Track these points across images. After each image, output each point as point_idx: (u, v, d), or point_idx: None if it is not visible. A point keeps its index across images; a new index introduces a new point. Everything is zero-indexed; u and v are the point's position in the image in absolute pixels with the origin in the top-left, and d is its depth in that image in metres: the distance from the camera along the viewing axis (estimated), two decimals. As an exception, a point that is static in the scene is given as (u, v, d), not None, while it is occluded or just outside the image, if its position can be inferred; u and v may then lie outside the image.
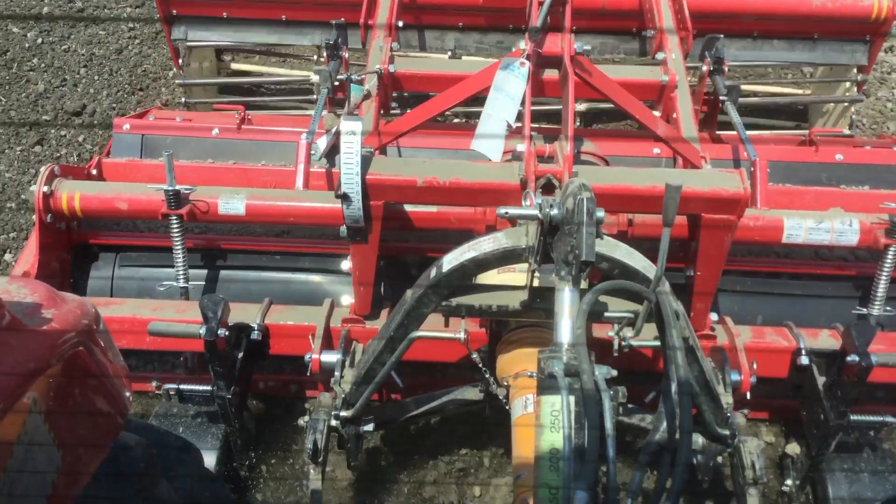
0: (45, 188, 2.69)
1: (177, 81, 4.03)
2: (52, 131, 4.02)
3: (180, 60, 3.91)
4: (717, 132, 3.41)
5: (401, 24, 3.37)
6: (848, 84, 3.90)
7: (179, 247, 2.71)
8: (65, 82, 4.39)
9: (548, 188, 2.34)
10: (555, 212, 1.83)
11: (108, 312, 2.58)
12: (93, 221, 2.90)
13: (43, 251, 2.74)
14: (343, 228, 2.37)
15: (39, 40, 4.60)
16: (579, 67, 2.62)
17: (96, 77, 4.45)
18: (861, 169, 3.17)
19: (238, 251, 2.94)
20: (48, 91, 4.31)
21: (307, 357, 2.45)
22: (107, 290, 2.91)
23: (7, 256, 3.48)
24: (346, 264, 2.81)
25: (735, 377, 2.39)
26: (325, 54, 3.25)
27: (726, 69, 3.25)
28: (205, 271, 2.91)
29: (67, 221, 2.85)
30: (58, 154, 3.95)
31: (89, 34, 4.67)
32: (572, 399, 1.59)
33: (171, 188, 2.62)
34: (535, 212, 1.86)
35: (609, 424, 1.55)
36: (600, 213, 1.78)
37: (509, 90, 2.58)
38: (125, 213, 2.74)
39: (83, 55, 4.55)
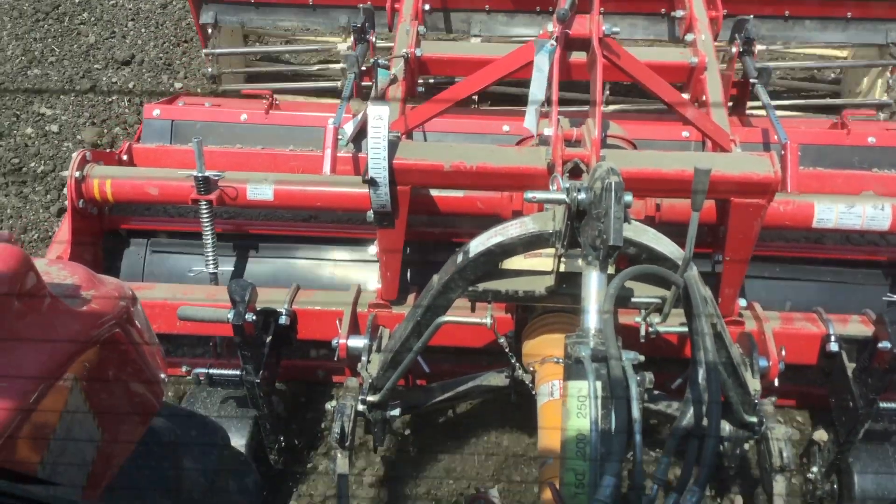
0: (77, 174, 2.74)
1: (204, 52, 3.99)
2: (104, 78, 4.39)
3: (208, 44, 3.93)
4: (748, 114, 3.37)
5: (427, 7, 3.37)
6: (879, 83, 3.83)
7: (209, 232, 2.74)
8: (114, 34, 4.68)
9: (575, 172, 2.32)
10: (582, 196, 1.82)
11: (140, 296, 2.61)
12: (124, 207, 2.94)
13: (76, 236, 2.78)
14: (370, 213, 2.38)
15: None
16: (608, 50, 2.59)
17: (143, 30, 4.71)
18: (894, 152, 3.11)
19: (266, 236, 2.97)
20: (98, 42, 4.61)
21: (334, 342, 2.47)
22: (138, 275, 2.95)
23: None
24: (372, 249, 2.82)
25: (763, 363, 2.37)
26: (352, 38, 3.26)
27: (756, 51, 3.20)
28: (234, 256, 2.94)
29: (99, 207, 2.89)
30: (109, 100, 4.27)
31: None
32: (599, 384, 1.59)
33: (200, 174, 2.65)
34: (563, 196, 1.86)
35: (636, 410, 1.55)
36: (628, 198, 1.77)
37: (542, 70, 2.57)
38: (155, 198, 2.78)
39: (130, 9, 4.84)
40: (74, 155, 2.77)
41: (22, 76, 4.45)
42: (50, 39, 4.65)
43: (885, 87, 3.81)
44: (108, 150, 3.08)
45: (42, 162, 3.99)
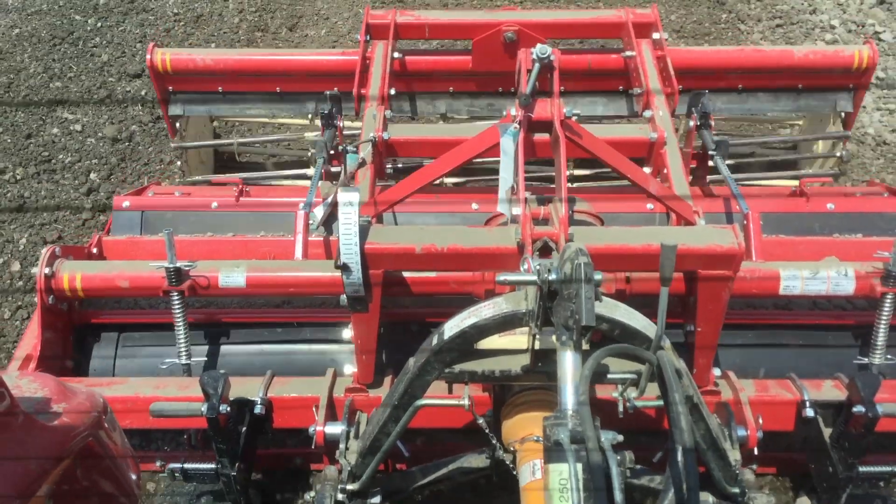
0: (47, 270, 2.72)
1: (171, 144, 4.06)
2: (118, 88, 5.04)
3: (177, 136, 3.97)
4: (709, 185, 3.45)
5: (393, 91, 3.44)
6: (834, 130, 3.96)
7: (181, 323, 2.72)
8: (124, 54, 5.33)
9: (545, 251, 2.36)
10: (553, 277, 1.85)
11: (111, 392, 2.58)
12: (94, 300, 2.91)
13: (45, 333, 2.75)
14: (343, 297, 2.38)
15: (99, 24, 5.59)
16: (569, 130, 2.67)
17: None
18: (853, 217, 3.20)
19: (239, 324, 2.95)
20: (111, 60, 5.26)
21: (311, 429, 2.44)
22: (109, 370, 2.91)
23: (92, 175, 4.46)
24: (347, 333, 2.82)
25: (741, 433, 2.38)
26: (319, 124, 3.31)
27: (713, 123, 3.31)
28: (207, 346, 2.92)
29: (69, 302, 2.87)
30: (124, 105, 4.88)
31: (140, 19, 5.69)
32: (580, 467, 1.58)
33: (171, 265, 2.65)
34: (534, 277, 1.88)
35: (617, 491, 1.54)
36: (598, 277, 1.80)
37: (509, 153, 2.64)
38: (126, 291, 2.76)
39: (137, 34, 5.52)
40: (43, 251, 2.76)
41: (44, 89, 5.01)
42: (67, 59, 5.26)
43: (838, 160, 3.96)
44: (77, 245, 3.06)
45: (69, 154, 4.55)
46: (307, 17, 5.78)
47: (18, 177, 4.39)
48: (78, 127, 4.71)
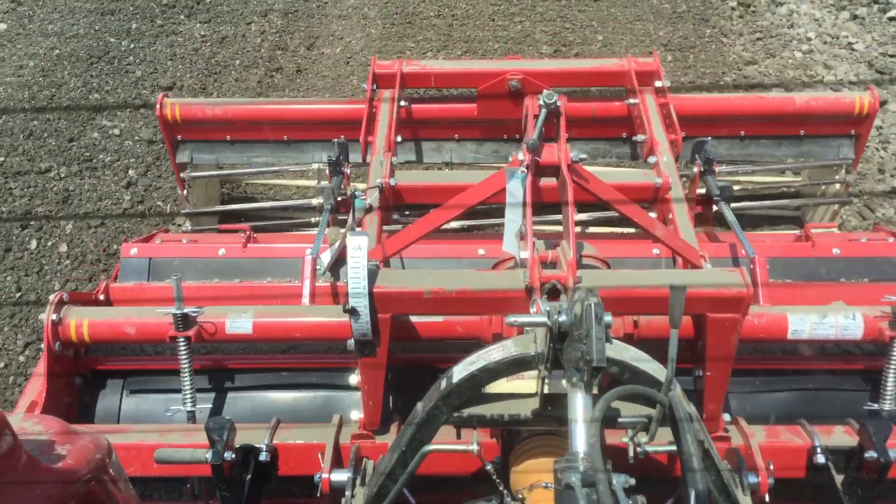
0: (54, 316, 2.72)
1: (182, 212, 4.14)
2: (153, 98, 5.28)
3: (186, 186, 4.01)
4: (714, 230, 3.47)
5: (399, 139, 3.48)
6: (838, 179, 3.99)
7: (187, 369, 2.71)
8: (156, 70, 5.80)
9: (553, 294, 2.36)
10: (563, 318, 1.84)
11: (116, 440, 2.53)
12: (100, 347, 2.91)
13: (51, 379, 2.74)
14: (351, 342, 2.37)
15: (132, 45, 6.07)
16: (576, 175, 2.69)
17: (180, 66, 5.84)
18: (858, 262, 3.20)
19: (245, 370, 2.94)
20: (144, 76, 5.73)
21: (317, 477, 2.41)
22: (114, 417, 2.88)
23: (130, 172, 4.93)
24: (354, 378, 2.80)
25: (753, 479, 2.34)
26: (327, 171, 3.35)
27: (717, 170, 3.33)
28: (212, 392, 2.90)
29: (76, 348, 2.86)
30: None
31: (170, 40, 6.14)
32: (592, 511, 1.56)
33: (179, 311, 2.65)
34: (544, 319, 1.88)
35: (632, 536, 1.51)
36: (608, 318, 1.79)
37: (517, 197, 2.67)
38: (133, 337, 2.76)
39: (167, 53, 5.98)
40: (51, 297, 2.76)
41: (84, 100, 5.47)
42: (104, 76, 5.73)
43: (840, 221, 3.99)
44: (85, 293, 3.07)
45: (108, 154, 5.01)
46: (323, 38, 6.16)
47: (62, 174, 4.83)
48: (116, 132, 5.19)
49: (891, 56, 5.42)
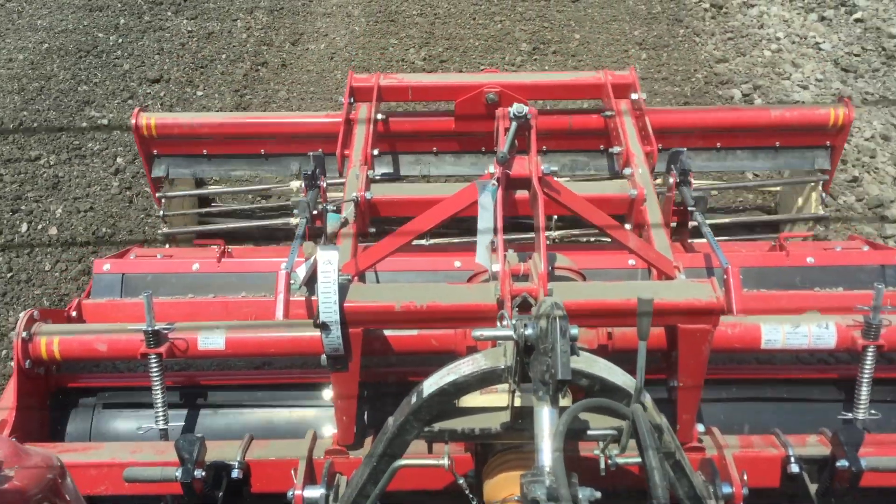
0: (25, 334, 2.69)
1: (160, 232, 4.12)
2: (140, 90, 5.69)
3: (161, 197, 3.99)
4: (689, 240, 3.47)
5: (376, 152, 3.48)
6: (813, 187, 4.01)
7: (158, 386, 2.68)
8: (144, 63, 5.98)
9: (524, 306, 2.36)
10: (529, 331, 1.84)
11: (86, 458, 2.53)
12: (72, 364, 2.88)
13: (21, 398, 2.71)
14: (323, 357, 2.36)
15: (120, 40, 6.26)
16: (548, 187, 2.69)
17: (167, 60, 6.02)
18: (832, 271, 3.22)
19: (218, 386, 2.91)
20: (132, 69, 5.90)
21: (290, 494, 2.39)
22: (86, 435, 2.85)
23: (119, 160, 5.09)
24: (328, 393, 2.78)
25: (727, 490, 2.34)
26: (303, 185, 3.34)
27: (692, 181, 3.34)
28: (185, 409, 2.87)
29: (46, 366, 2.83)
30: (146, 104, 5.55)
31: (157, 35, 6.32)
32: (557, 525, 1.55)
33: (150, 327, 2.62)
34: (510, 332, 1.87)
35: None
36: (574, 331, 1.79)
37: (488, 209, 2.67)
38: (104, 354, 2.73)
39: (155, 48, 6.16)
40: (21, 315, 2.73)
41: (73, 92, 5.63)
42: (92, 69, 5.91)
43: (819, 200, 3.98)
44: (56, 309, 3.05)
45: (97, 143, 5.17)
46: (308, 35, 6.35)
47: (52, 162, 5.01)
48: (105, 121, 5.40)
49: (856, 55, 5.66)
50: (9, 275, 4.24)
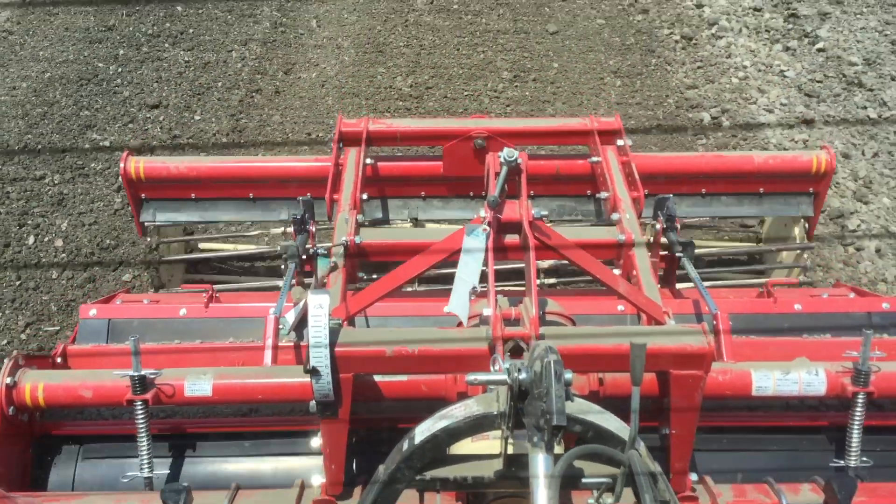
0: (9, 380, 2.64)
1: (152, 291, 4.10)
2: (140, 115, 5.95)
3: (148, 239, 3.97)
4: (677, 286, 3.49)
5: (365, 196, 3.49)
6: (798, 231, 4.05)
7: (144, 433, 2.63)
8: (143, 91, 6.23)
9: (516, 351, 2.35)
10: (523, 376, 1.83)
11: (68, 508, 2.48)
12: (56, 411, 2.83)
13: (3, 445, 2.65)
14: (313, 403, 2.34)
15: (120, 70, 6.48)
16: (538, 231, 2.71)
17: (165, 87, 6.27)
18: (820, 318, 3.23)
19: (204, 434, 2.86)
20: (132, 96, 6.15)
21: None
22: (68, 484, 2.79)
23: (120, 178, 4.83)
24: (316, 441, 2.74)
25: (722, 540, 2.32)
26: (292, 229, 3.33)
27: (679, 226, 3.37)
28: (170, 458, 2.82)
29: (30, 412, 2.78)
30: (146, 128, 5.81)
31: (156, 65, 6.56)
32: (554, 575, 1.53)
33: (136, 373, 2.59)
34: (504, 377, 1.87)
35: None
36: (568, 375, 1.78)
37: (474, 254, 2.67)
38: (89, 400, 2.68)
39: (153, 76, 6.40)
40: (6, 360, 2.69)
41: (75, 117, 5.87)
42: (94, 95, 6.14)
43: (804, 235, 4.02)
44: (41, 354, 3.01)
45: (100, 163, 5.41)
46: (300, 64, 6.62)
47: (56, 181, 5.25)
48: (106, 143, 5.64)
49: (818, 81, 6.10)
50: (17, 283, 4.50)
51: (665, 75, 6.37)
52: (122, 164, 3.76)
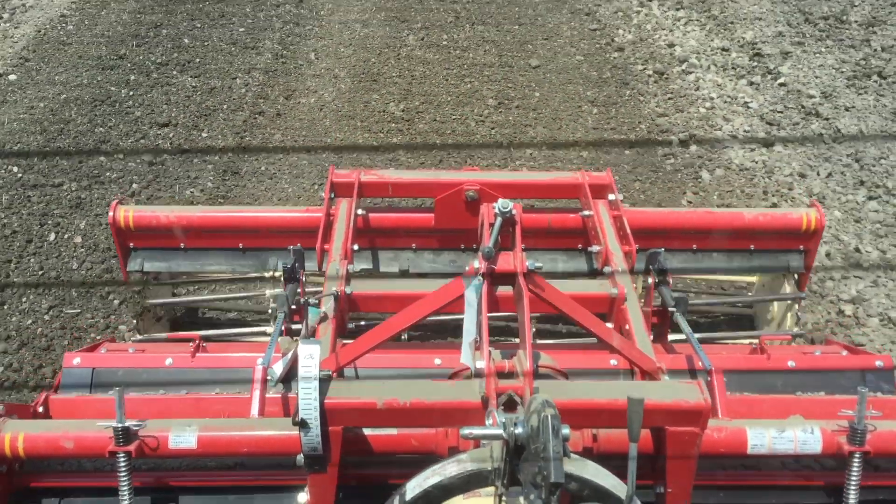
0: (-12, 429, 2.57)
1: (132, 338, 4.04)
2: (151, 132, 6.38)
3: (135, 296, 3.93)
4: (670, 342, 3.46)
5: (356, 247, 3.47)
6: (788, 288, 4.05)
7: (126, 487, 2.55)
8: (153, 111, 6.66)
9: (510, 405, 2.31)
10: (519, 430, 1.80)
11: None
12: (36, 463, 2.75)
13: (-22, 498, 2.57)
14: (300, 457, 2.28)
15: (131, 93, 6.94)
16: (532, 283, 2.69)
17: (174, 109, 6.72)
18: (814, 375, 3.21)
19: (189, 488, 2.79)
20: (143, 116, 6.59)
21: None
22: None
23: (134, 185, 5.75)
24: (303, 497, 2.67)
25: None
26: (282, 279, 3.30)
27: (671, 281, 3.36)
28: None
29: (9, 464, 2.70)
30: (156, 143, 6.23)
31: (165, 90, 7.00)
32: None
33: (119, 424, 2.52)
34: (500, 431, 1.83)
35: None
36: (566, 430, 1.75)
37: (473, 305, 2.65)
38: (71, 452, 2.61)
39: (163, 99, 6.86)
40: (-14, 411, 2.63)
41: (90, 133, 6.33)
42: (107, 115, 6.58)
43: (795, 319, 4.02)
44: (21, 404, 2.95)
45: (114, 172, 5.84)
46: (300, 91, 7.13)
47: (74, 188, 5.64)
48: (121, 155, 6.04)
49: (779, 112, 6.75)
50: (40, 272, 4.88)
51: (638, 105, 6.93)
52: (111, 213, 3.73)
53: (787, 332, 4.02)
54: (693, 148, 6.27)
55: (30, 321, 4.49)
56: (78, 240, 5.11)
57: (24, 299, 4.65)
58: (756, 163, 6.11)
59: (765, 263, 3.96)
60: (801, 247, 3.90)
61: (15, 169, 5.82)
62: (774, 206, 5.53)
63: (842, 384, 3.19)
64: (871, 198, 5.66)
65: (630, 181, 5.82)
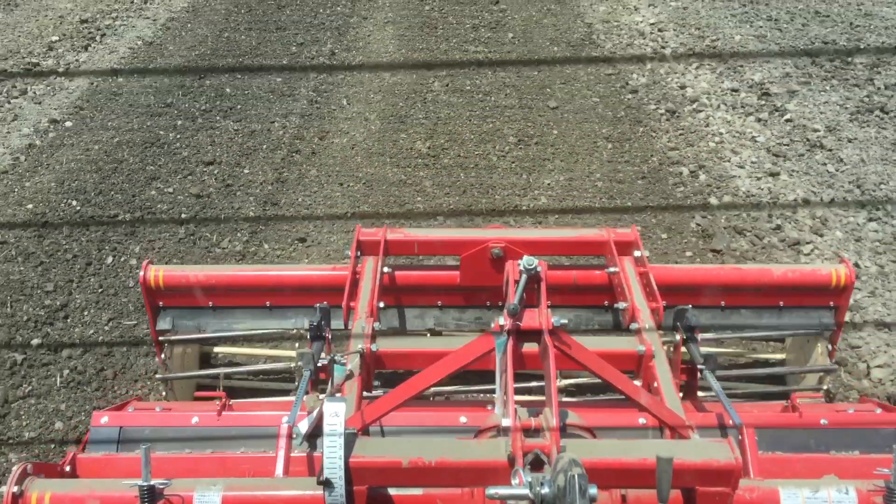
0: (16, 488, 2.58)
1: (157, 377, 4.06)
2: (197, 169, 6.89)
3: (163, 354, 3.96)
4: (700, 400, 3.41)
5: (382, 304, 3.49)
6: (820, 347, 3.98)
7: (150, 547, 2.55)
8: (199, 152, 7.20)
9: (536, 464, 2.28)
10: (545, 490, 1.78)
11: None
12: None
13: (5, 556, 2.56)
14: (324, 518, 2.26)
15: (178, 136, 7.47)
16: (558, 340, 2.68)
17: (218, 149, 7.25)
18: (847, 433, 3.14)
19: None
20: (189, 156, 7.13)
21: None
22: None
23: (183, 216, 6.28)
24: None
25: None
26: (308, 336, 3.32)
27: (699, 338, 3.33)
28: None
29: (35, 523, 2.70)
30: (203, 179, 6.73)
31: (209, 133, 7.57)
32: None
33: (145, 483, 2.52)
34: (526, 491, 1.81)
35: None
36: (593, 491, 1.73)
37: (500, 365, 2.64)
38: None
39: (208, 141, 7.41)
40: (14, 468, 2.63)
41: (141, 171, 6.82)
42: (157, 156, 7.11)
43: (826, 352, 3.93)
44: (49, 462, 2.95)
45: (164, 205, 6.35)
46: (333, 132, 7.65)
47: (127, 219, 6.18)
48: (170, 189, 6.56)
49: (785, 145, 7.17)
50: (99, 290, 5.31)
51: (650, 140, 7.35)
52: (141, 273, 3.79)
53: (817, 390, 3.94)
54: (702, 177, 6.65)
55: (91, 331, 4.95)
56: (133, 262, 5.57)
57: (85, 313, 5.10)
58: (762, 189, 6.49)
59: (795, 321, 3.90)
60: (832, 303, 3.85)
61: (74, 202, 6.33)
62: (779, 227, 5.92)
63: (876, 442, 3.11)
64: (870, 219, 6.05)
65: (642, 207, 6.20)
